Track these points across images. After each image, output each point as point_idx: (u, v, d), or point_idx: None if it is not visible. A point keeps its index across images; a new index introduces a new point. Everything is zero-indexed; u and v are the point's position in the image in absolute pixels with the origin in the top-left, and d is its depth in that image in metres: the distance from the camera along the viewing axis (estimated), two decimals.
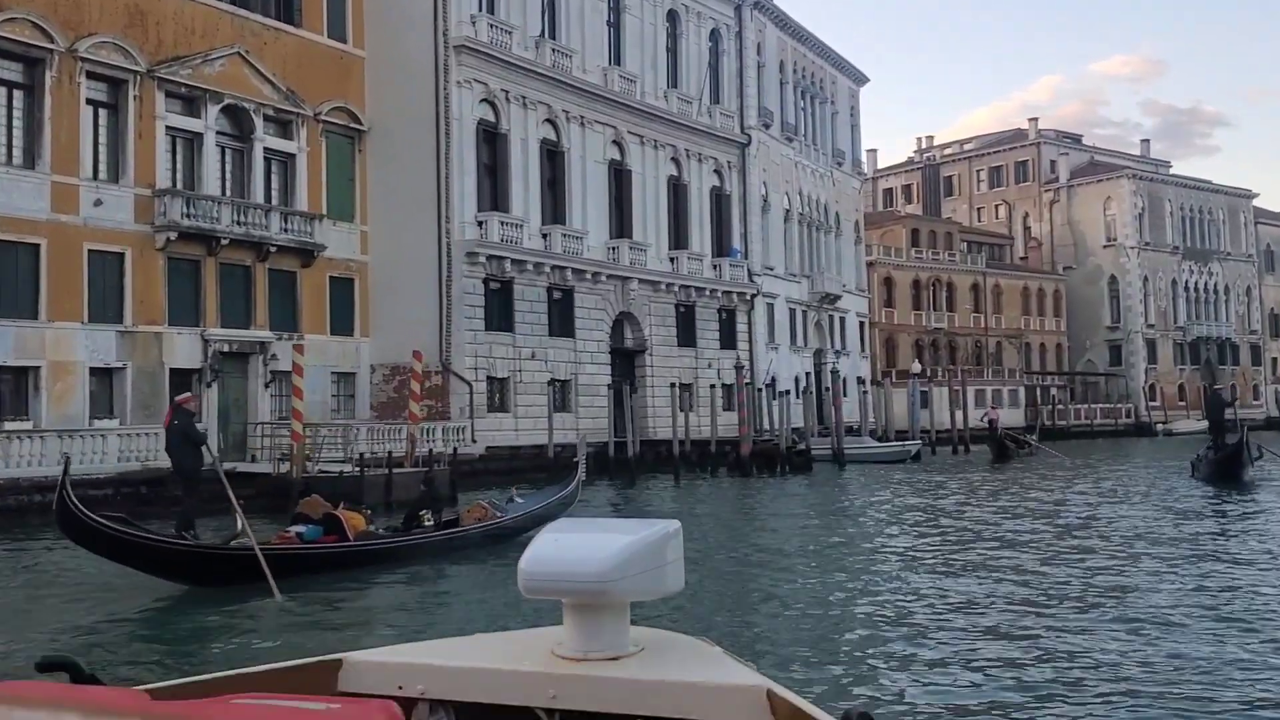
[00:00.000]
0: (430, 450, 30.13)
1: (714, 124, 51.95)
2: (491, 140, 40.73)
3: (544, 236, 41.99)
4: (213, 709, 1.69)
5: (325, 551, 17.26)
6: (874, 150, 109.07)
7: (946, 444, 57.14)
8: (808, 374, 58.93)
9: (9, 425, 28.31)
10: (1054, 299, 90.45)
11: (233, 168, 35.55)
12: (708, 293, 50.33)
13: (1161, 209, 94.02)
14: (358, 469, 27.50)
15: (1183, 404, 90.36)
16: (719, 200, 52.89)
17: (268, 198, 36.29)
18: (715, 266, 51.56)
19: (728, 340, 52.12)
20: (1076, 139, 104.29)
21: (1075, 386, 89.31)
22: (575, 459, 24.78)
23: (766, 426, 49.18)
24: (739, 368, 42.70)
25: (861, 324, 68.10)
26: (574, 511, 23.63)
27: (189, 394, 18.73)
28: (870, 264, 77.39)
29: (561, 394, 42.45)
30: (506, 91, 40.90)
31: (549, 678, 2.49)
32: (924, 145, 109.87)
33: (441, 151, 38.37)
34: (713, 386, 46.42)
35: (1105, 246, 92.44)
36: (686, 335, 49.48)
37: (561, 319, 42.84)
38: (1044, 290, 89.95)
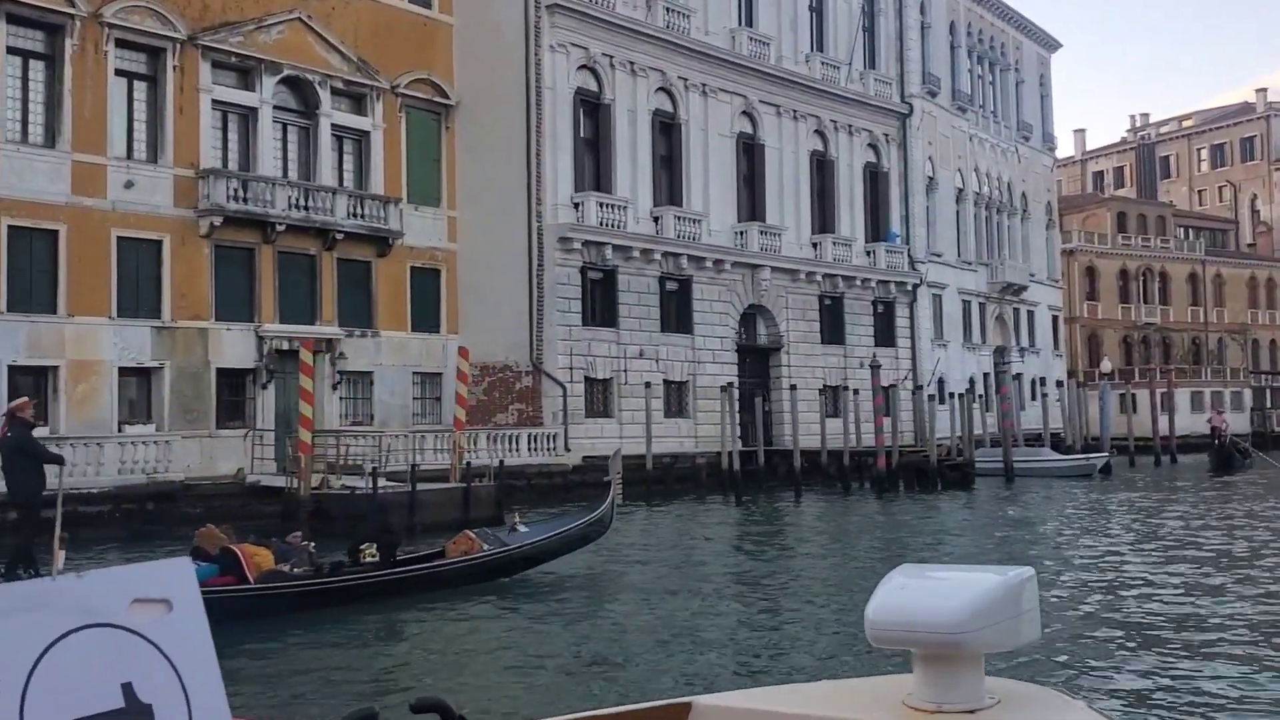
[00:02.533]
0: (468, 463, 25.80)
1: (867, 92, 46.19)
2: (593, 112, 36.33)
3: (655, 220, 37.32)
4: None
5: (210, 597, 12.89)
6: (1082, 130, 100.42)
7: (1151, 453, 49.57)
8: (985, 375, 52.32)
9: None
10: None
11: (297, 147, 32.24)
12: (859, 282, 44.65)
13: None
14: (374, 485, 23.39)
15: None
16: (874, 178, 47.08)
17: (339, 180, 32.87)
18: (869, 253, 45.82)
19: (884, 336, 46.28)
20: None
21: None
22: (606, 478, 20.05)
23: (944, 435, 43.28)
24: (874, 367, 37.00)
25: (1055, 318, 60.74)
26: (607, 540, 19.09)
27: (24, 399, 14.97)
28: (1069, 252, 69.75)
29: (677, 397, 37.71)
30: (610, 57, 36.40)
31: None
32: (1138, 123, 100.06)
33: (532, 125, 34.19)
34: (856, 392, 40.64)
35: None
36: (833, 331, 43.94)
37: (677, 313, 38.07)
38: (1275, 280, 79.62)
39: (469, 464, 25.73)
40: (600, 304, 35.73)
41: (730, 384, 37.07)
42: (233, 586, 14.14)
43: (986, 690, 2.49)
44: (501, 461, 26.34)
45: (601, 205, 35.23)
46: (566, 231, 34.14)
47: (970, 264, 52.22)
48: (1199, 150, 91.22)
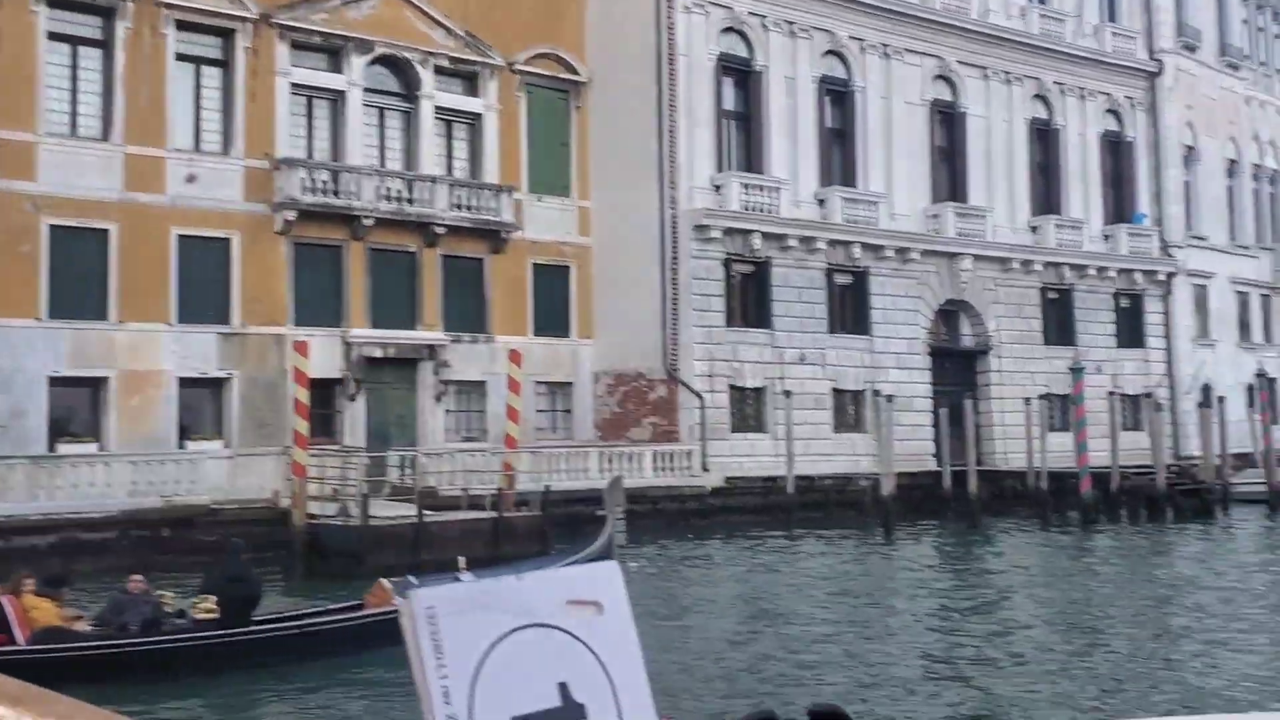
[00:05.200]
0: (496, 491, 21.56)
1: (1103, 48, 39.03)
2: (742, 81, 31.60)
3: (820, 203, 32.11)
4: None
5: None
6: None
7: None
8: (1272, 380, 43.59)
9: (64, 448, 23.51)
10: None
11: (399, 134, 29.24)
12: (1094, 272, 37.61)
13: None
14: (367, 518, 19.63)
15: None
16: (1116, 150, 39.81)
17: (448, 169, 29.66)
18: (1107, 237, 38.66)
19: (1130, 336, 38.93)
20: None
21: None
22: (601, 511, 15.61)
23: (1197, 451, 35.90)
24: (1076, 369, 30.22)
25: None
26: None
27: None
28: None
29: (855, 409, 32.31)
30: (762, 17, 31.55)
31: None
32: None
33: (664, 97, 29.86)
34: (1108, 396, 33.77)
35: None
36: (1060, 330, 37.13)
37: (853, 310, 32.69)
38: None
39: (500, 491, 21.52)
40: (750, 301, 30.92)
41: (875, 390, 31.12)
42: None
43: None
44: (548, 488, 22.00)
45: (747, 187, 30.44)
46: (703, 218, 29.58)
47: (1248, 249, 43.66)
48: None
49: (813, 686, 11.33)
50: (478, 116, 30.08)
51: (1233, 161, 43.70)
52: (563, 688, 0.99)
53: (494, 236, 29.46)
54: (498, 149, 30.20)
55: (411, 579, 13.72)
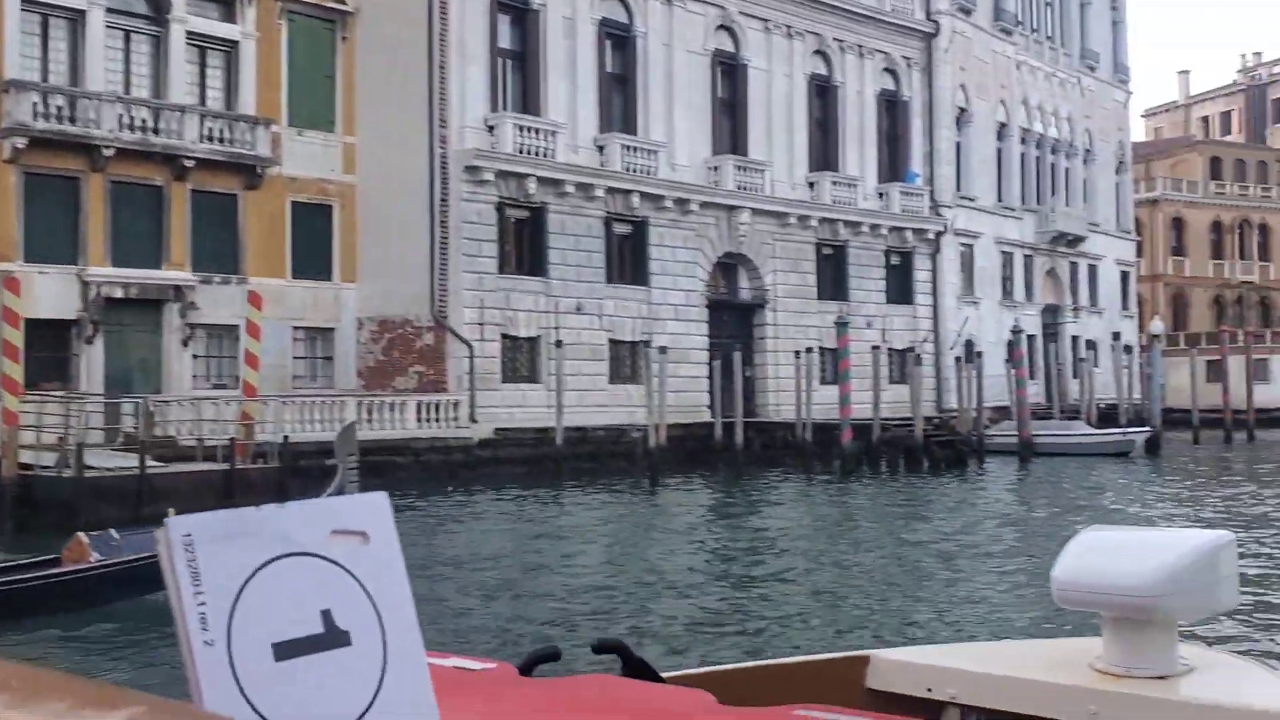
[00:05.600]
0: (229, 441, 20.37)
1: (882, 7, 39.56)
2: (520, 19, 30.63)
3: (599, 149, 31.54)
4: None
5: None
6: (1186, 73, 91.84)
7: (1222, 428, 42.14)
8: (1029, 336, 45.43)
9: None
10: None
11: (147, 59, 27.19)
12: (867, 229, 38.26)
13: None
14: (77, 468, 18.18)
15: None
16: (892, 109, 40.52)
17: (201, 99, 27.78)
18: (881, 195, 39.36)
19: (900, 292, 39.87)
20: None
21: None
22: (331, 461, 14.72)
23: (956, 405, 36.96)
24: (841, 323, 30.70)
25: (1124, 275, 53.26)
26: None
27: None
28: (1152, 201, 62.14)
29: (630, 361, 32.00)
30: None
31: (1089, 692, 2.36)
32: (1249, 63, 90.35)
33: (435, 31, 28.65)
34: (875, 348, 34.26)
35: None
36: (834, 285, 37.68)
37: (631, 260, 32.33)
38: None
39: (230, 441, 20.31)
40: (525, 248, 30.20)
41: (648, 343, 30.89)
42: None
43: (1179, 657, 2.43)
44: (286, 438, 20.89)
45: (523, 129, 29.59)
46: (474, 159, 28.60)
47: (1014, 210, 45.27)
48: None
49: (581, 628, 10.94)
50: (234, 44, 28.25)
51: (1003, 125, 45.12)
52: (326, 615, 0.98)
53: (249, 172, 27.81)
54: (255, 79, 28.46)
55: (113, 533, 12.65)
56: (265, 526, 0.97)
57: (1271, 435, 43.16)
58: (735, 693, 2.08)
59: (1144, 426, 36.13)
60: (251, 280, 27.68)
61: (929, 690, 2.52)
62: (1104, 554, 2.42)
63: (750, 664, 2.63)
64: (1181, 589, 2.32)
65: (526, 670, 2.10)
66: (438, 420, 27.74)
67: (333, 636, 0.98)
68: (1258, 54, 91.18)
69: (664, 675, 2.18)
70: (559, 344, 28.48)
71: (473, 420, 28.39)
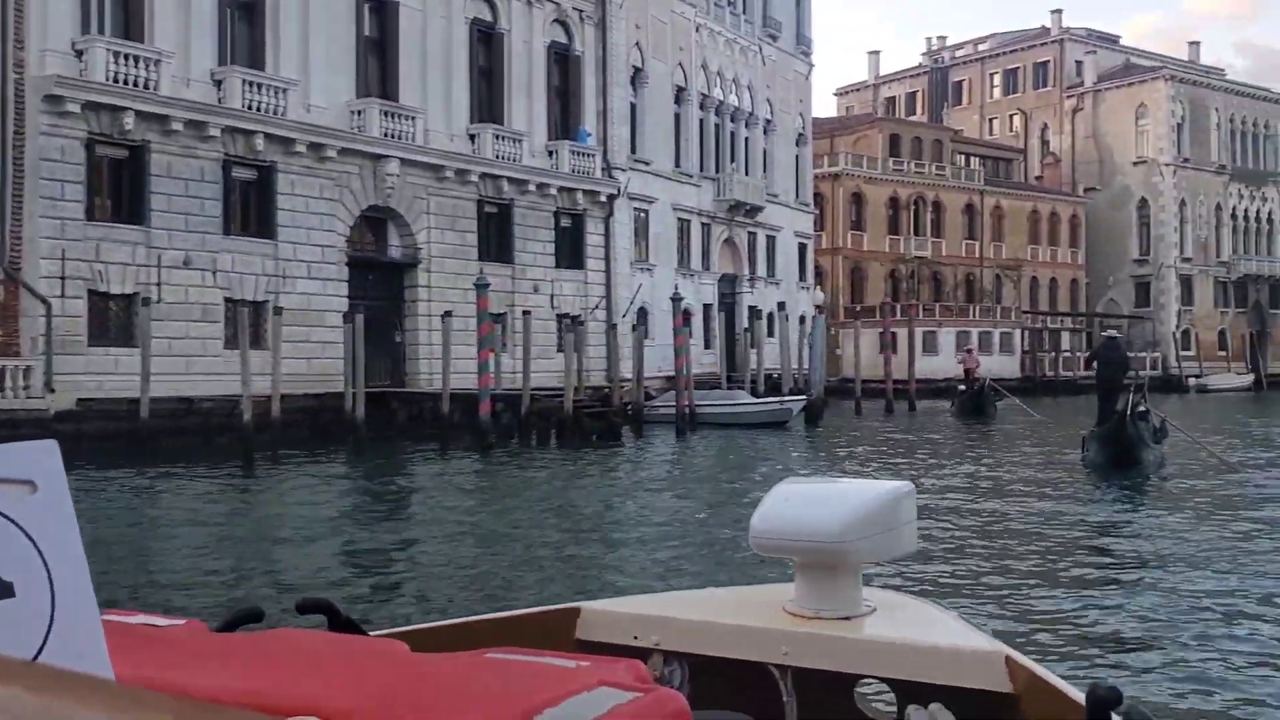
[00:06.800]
0: None
1: None
2: None
3: (217, 84, 27.99)
4: (474, 663, 1.55)
5: None
6: (877, 53, 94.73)
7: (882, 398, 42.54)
8: (706, 305, 44.76)
9: None
10: (1070, 226, 74.98)
11: None
12: (534, 188, 36.12)
13: (1206, 120, 77.64)
14: None
15: (1223, 354, 75.03)
16: (564, 63, 38.51)
17: None
18: (551, 153, 37.33)
19: (570, 256, 38.03)
20: (1113, 40, 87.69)
21: (1092, 331, 74.10)
22: None
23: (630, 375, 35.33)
24: (480, 285, 28.52)
25: (802, 247, 53.50)
26: None
27: None
28: (834, 175, 63.00)
29: (253, 323, 28.63)
30: None
31: (781, 634, 2.48)
32: (934, 45, 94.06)
33: None
34: (526, 313, 32.07)
35: (1136, 164, 76.46)
36: (499, 246, 35.42)
37: (256, 211, 28.98)
38: (1058, 215, 74.49)
39: None
40: (121, 192, 26.38)
41: (276, 304, 27.86)
42: None
43: (863, 599, 2.56)
44: None
45: (119, 56, 25.72)
46: (56, 87, 24.58)
47: (692, 177, 44.28)
48: (991, 75, 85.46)
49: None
50: None
51: (681, 89, 43.97)
52: None
53: None
54: None
55: None
56: None
57: (935, 405, 43.99)
58: (442, 647, 1.90)
59: (797, 397, 35.65)
60: None
61: (635, 638, 2.58)
62: (796, 503, 2.53)
63: (458, 620, 2.61)
64: (865, 534, 2.43)
65: (227, 630, 1.88)
66: (4, 390, 23.74)
67: None
68: (942, 37, 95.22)
69: (371, 634, 1.98)
70: (146, 301, 24.88)
71: (49, 389, 24.50)
